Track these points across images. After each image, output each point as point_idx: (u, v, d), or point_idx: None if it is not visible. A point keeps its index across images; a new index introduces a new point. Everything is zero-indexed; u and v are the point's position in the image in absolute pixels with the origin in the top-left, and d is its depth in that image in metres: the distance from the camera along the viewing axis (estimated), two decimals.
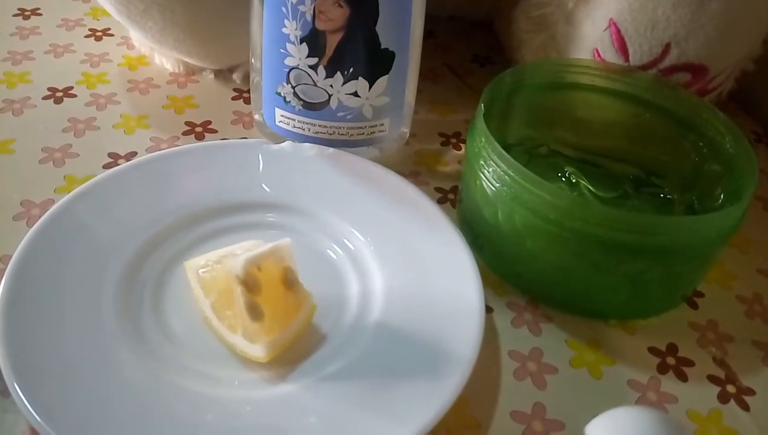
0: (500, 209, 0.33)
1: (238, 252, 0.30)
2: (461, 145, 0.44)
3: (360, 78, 0.36)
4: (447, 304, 0.32)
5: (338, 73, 0.36)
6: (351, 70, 0.36)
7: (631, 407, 0.23)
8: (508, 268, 0.36)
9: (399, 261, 0.34)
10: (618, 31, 0.38)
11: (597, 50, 0.40)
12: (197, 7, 0.40)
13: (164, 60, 0.47)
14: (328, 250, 0.35)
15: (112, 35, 0.50)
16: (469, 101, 0.47)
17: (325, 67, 0.36)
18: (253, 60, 0.38)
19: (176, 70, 0.47)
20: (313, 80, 0.36)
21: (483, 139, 0.34)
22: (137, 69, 0.47)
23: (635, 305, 0.35)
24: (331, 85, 0.36)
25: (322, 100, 0.37)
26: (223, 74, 0.47)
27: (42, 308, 0.29)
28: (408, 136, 0.41)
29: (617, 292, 0.34)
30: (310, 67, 0.36)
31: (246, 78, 0.46)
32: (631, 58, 0.39)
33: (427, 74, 0.49)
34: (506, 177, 0.32)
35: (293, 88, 0.37)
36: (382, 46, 0.35)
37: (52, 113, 0.42)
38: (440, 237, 0.34)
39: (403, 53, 0.36)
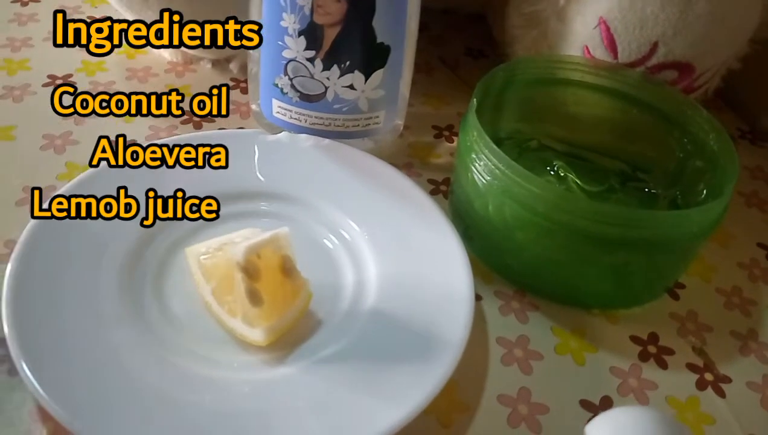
0: (491, 202, 0.34)
1: (237, 240, 0.31)
2: (454, 137, 0.45)
3: (356, 71, 0.37)
4: (438, 292, 0.33)
5: (335, 66, 0.37)
6: (347, 63, 0.37)
7: (631, 407, 0.23)
8: (497, 259, 0.37)
9: (392, 251, 0.35)
10: (608, 29, 0.39)
11: (587, 47, 0.41)
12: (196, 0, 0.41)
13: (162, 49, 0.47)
14: (325, 240, 0.36)
15: None
16: (462, 94, 0.48)
17: (322, 60, 0.37)
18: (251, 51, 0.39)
19: (174, 60, 0.47)
20: (310, 72, 0.37)
21: (475, 134, 0.35)
22: (135, 58, 0.48)
23: (619, 295, 0.36)
24: (328, 78, 0.37)
25: (318, 93, 0.38)
26: (220, 64, 0.47)
27: (47, 291, 0.30)
28: (402, 128, 0.42)
29: (602, 282, 0.35)
30: (308, 59, 0.37)
31: (243, 68, 0.47)
32: (619, 55, 0.40)
33: (421, 67, 0.50)
34: (497, 171, 0.33)
35: (290, 80, 0.38)
36: (378, 41, 0.36)
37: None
38: (432, 228, 0.36)
39: (398, 47, 0.37)
